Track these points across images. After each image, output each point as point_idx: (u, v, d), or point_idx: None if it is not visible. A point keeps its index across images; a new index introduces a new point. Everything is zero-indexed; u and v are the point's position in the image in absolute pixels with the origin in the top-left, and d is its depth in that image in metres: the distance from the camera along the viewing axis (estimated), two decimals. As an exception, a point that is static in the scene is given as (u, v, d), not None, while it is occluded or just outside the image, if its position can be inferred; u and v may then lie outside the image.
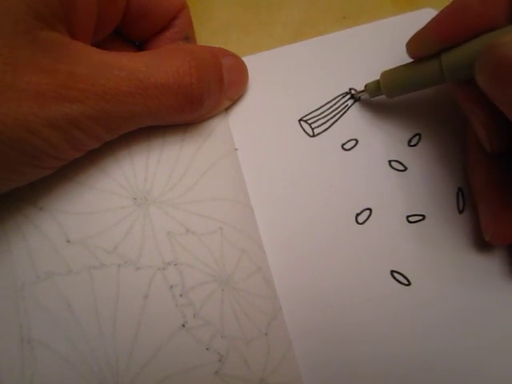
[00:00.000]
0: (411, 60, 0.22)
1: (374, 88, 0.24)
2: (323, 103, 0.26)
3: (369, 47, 0.26)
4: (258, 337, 0.21)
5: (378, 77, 0.24)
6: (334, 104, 0.26)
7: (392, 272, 0.23)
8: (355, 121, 0.25)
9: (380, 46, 0.26)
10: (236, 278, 0.22)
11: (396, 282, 0.23)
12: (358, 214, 0.24)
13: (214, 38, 0.27)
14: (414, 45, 0.22)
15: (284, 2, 0.28)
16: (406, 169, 0.25)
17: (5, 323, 0.19)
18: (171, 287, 0.21)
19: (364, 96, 0.25)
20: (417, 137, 0.25)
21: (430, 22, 0.21)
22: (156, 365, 0.20)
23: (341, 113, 0.25)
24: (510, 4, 0.18)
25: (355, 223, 0.24)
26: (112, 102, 0.18)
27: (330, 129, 0.25)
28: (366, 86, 0.25)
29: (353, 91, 0.26)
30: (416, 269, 0.23)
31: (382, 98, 0.24)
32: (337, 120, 0.25)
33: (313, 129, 0.25)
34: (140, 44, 0.25)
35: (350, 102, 0.26)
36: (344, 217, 0.24)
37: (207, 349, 0.20)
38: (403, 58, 0.26)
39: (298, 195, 0.24)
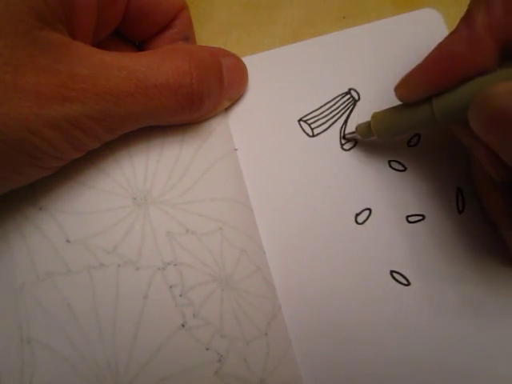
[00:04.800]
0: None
1: (365, 130, 0.24)
2: (323, 103, 0.26)
3: (369, 47, 0.26)
4: (257, 337, 0.21)
5: (376, 77, 0.24)
6: (334, 104, 0.26)
7: (392, 272, 0.23)
8: (355, 121, 0.25)
9: (380, 46, 0.26)
10: (236, 278, 0.22)
11: (396, 282, 0.23)
12: (357, 214, 0.24)
13: (214, 38, 0.27)
14: (403, 90, 0.21)
15: (284, 2, 0.28)
16: (405, 169, 0.25)
17: (5, 323, 0.19)
18: (171, 287, 0.21)
19: (353, 137, 0.25)
20: (416, 137, 0.25)
21: (417, 67, 0.20)
22: (156, 365, 0.20)
23: (340, 113, 0.25)
24: (498, 46, 0.18)
25: (355, 223, 0.24)
26: (112, 102, 0.18)
27: (329, 129, 0.25)
28: (356, 128, 0.24)
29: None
30: (416, 269, 0.23)
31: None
32: (336, 120, 0.25)
33: (312, 129, 0.25)
34: (140, 44, 0.25)
35: (349, 103, 0.26)
36: (343, 217, 0.24)
37: (207, 349, 0.20)
38: (403, 58, 0.26)
39: (298, 195, 0.24)
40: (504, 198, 0.21)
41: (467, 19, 0.19)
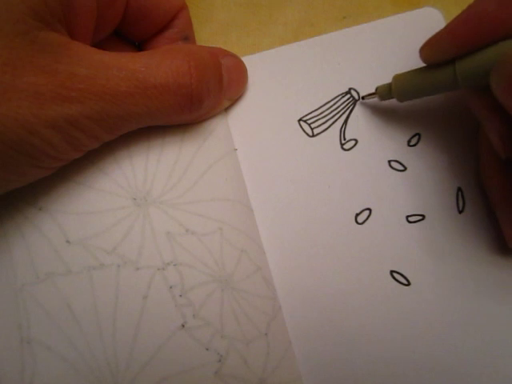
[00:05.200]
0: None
1: (385, 91, 0.24)
2: (323, 103, 0.26)
3: (369, 47, 0.26)
4: (257, 337, 0.21)
5: (376, 77, 0.24)
6: (334, 104, 0.26)
7: (392, 272, 0.23)
8: (355, 121, 0.25)
9: (380, 46, 0.26)
10: (236, 278, 0.22)
11: (396, 282, 0.23)
12: (357, 214, 0.24)
13: (213, 38, 0.27)
14: (427, 50, 0.21)
15: (284, 1, 0.28)
16: (405, 169, 0.25)
17: (5, 323, 0.19)
18: (171, 287, 0.21)
19: (373, 98, 0.25)
20: (416, 137, 0.25)
21: (445, 27, 0.20)
22: (156, 365, 0.20)
23: (340, 113, 0.25)
24: None
25: (355, 223, 0.24)
26: (111, 102, 0.18)
27: (329, 129, 0.25)
28: (376, 89, 0.24)
29: (361, 94, 0.25)
30: (416, 269, 0.23)
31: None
32: (336, 120, 0.25)
33: (312, 129, 0.25)
34: (139, 44, 0.25)
35: (349, 102, 0.26)
36: (343, 217, 0.24)
37: (207, 349, 0.20)
38: (403, 58, 0.26)
39: (298, 195, 0.24)
40: (507, 180, 0.21)
41: None
